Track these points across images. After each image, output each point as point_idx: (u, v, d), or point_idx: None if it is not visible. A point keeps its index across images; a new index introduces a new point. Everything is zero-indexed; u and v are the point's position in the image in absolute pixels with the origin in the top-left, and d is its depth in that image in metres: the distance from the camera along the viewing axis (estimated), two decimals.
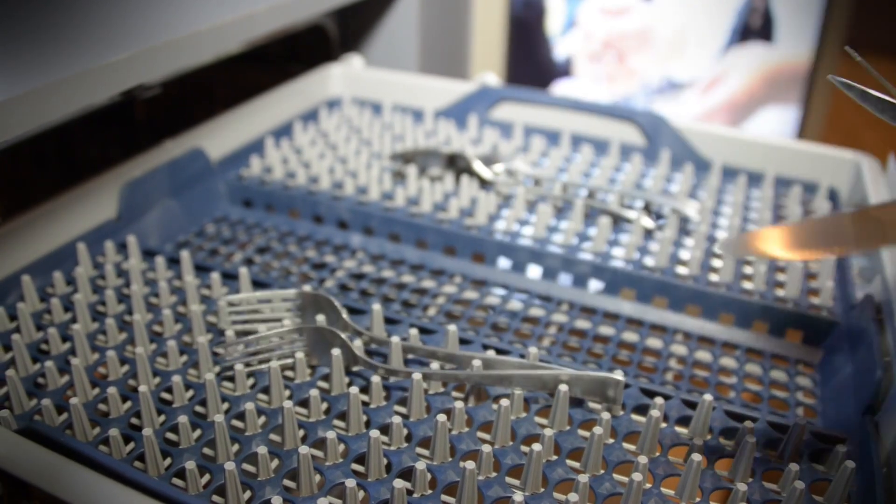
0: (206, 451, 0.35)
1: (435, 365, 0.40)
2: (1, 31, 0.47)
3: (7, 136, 0.40)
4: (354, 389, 0.37)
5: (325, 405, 0.38)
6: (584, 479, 0.32)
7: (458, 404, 0.36)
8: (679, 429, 0.37)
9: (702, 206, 0.56)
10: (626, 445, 0.36)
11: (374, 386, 0.38)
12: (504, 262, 0.52)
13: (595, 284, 0.50)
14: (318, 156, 0.63)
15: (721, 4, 1.20)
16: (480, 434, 0.37)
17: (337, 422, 0.37)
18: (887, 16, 2.23)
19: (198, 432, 0.36)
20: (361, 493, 0.33)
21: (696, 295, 0.48)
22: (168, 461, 0.35)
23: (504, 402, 0.36)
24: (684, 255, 0.51)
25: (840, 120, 1.98)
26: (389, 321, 0.44)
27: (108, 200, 0.52)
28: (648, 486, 0.34)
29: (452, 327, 0.41)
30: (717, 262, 0.50)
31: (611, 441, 0.36)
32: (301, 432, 0.36)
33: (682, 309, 0.48)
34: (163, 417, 0.37)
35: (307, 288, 0.47)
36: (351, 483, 0.32)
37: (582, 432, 0.37)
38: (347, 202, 0.56)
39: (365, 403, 0.38)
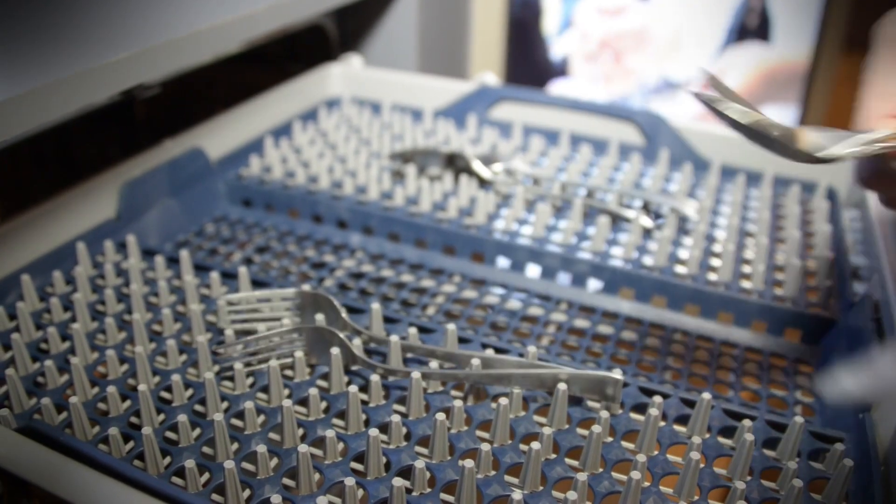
0: (206, 449, 0.35)
1: (434, 364, 0.40)
2: (1, 30, 0.47)
3: (7, 136, 0.40)
4: (353, 388, 0.37)
5: (324, 404, 0.38)
6: (582, 477, 0.32)
7: (457, 403, 0.36)
8: (678, 427, 0.38)
9: (700, 206, 0.56)
10: (624, 444, 0.36)
11: (374, 385, 0.38)
12: (503, 262, 0.52)
13: (594, 283, 0.50)
14: (317, 155, 0.63)
15: (718, 4, 1.20)
16: (479, 433, 0.37)
17: (336, 421, 0.37)
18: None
19: (197, 431, 0.36)
20: (360, 492, 0.33)
21: (695, 294, 0.48)
22: (168, 460, 0.35)
23: (503, 400, 0.36)
24: (683, 254, 0.51)
25: (839, 119, 1.98)
26: (388, 320, 0.44)
27: (107, 200, 0.52)
28: (647, 484, 0.34)
29: (451, 326, 0.41)
30: (715, 262, 0.50)
31: (609, 440, 0.36)
32: (300, 431, 0.36)
33: (680, 308, 0.48)
34: (162, 416, 0.37)
35: (306, 287, 0.47)
36: (350, 482, 0.32)
37: (581, 431, 0.37)
38: (347, 202, 0.56)
39: (364, 402, 0.38)
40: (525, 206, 0.56)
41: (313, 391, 0.37)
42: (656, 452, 0.36)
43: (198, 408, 0.38)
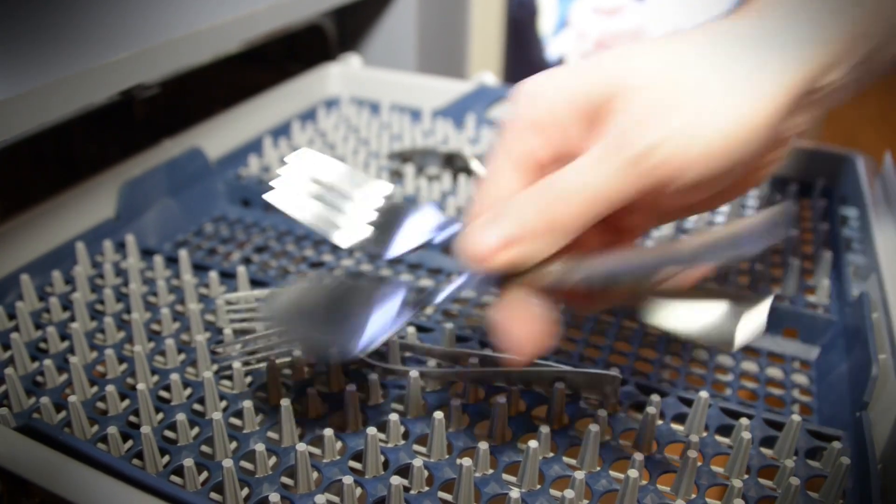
0: (205, 448, 0.36)
1: (432, 363, 0.40)
2: (1, 30, 0.47)
3: (6, 136, 0.40)
4: (352, 387, 0.37)
5: (323, 403, 0.38)
6: (580, 475, 0.32)
7: (456, 402, 0.37)
8: (675, 426, 0.38)
9: None
10: (622, 442, 0.36)
11: (372, 384, 0.38)
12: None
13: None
14: None
15: (714, 4, 1.20)
16: (477, 432, 0.37)
17: (334, 420, 0.37)
18: None
19: (196, 430, 0.36)
20: (359, 490, 0.33)
21: None
22: (166, 459, 0.35)
23: (501, 399, 0.36)
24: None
25: (836, 119, 1.98)
26: None
27: (106, 200, 0.52)
28: (644, 482, 0.34)
29: (450, 325, 0.41)
30: None
31: (607, 438, 0.37)
32: (298, 430, 0.36)
33: None
34: (161, 415, 0.37)
35: None
36: (348, 480, 0.32)
37: (578, 429, 0.37)
38: None
39: (362, 401, 0.38)
40: None
41: (312, 390, 0.37)
42: (654, 451, 0.36)
43: (196, 407, 0.38)
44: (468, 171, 0.58)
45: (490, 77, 0.74)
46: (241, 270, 0.46)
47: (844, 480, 0.34)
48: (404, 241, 0.33)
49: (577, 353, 0.44)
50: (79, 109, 0.46)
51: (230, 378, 0.39)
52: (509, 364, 0.39)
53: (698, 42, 0.29)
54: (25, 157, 0.65)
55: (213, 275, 0.46)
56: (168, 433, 0.36)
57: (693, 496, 0.34)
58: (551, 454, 0.36)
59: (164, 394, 0.39)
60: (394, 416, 0.36)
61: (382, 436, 0.36)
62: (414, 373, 0.37)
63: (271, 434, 0.36)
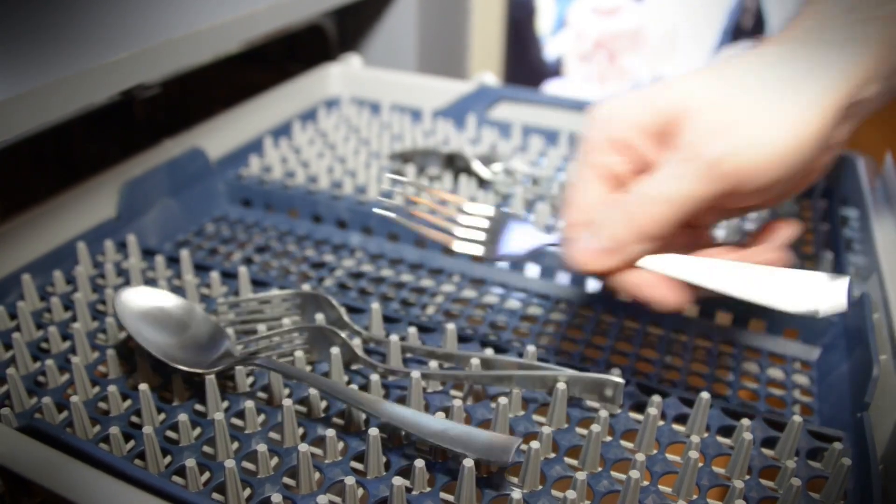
0: (206, 448, 0.36)
1: (433, 364, 0.40)
2: (1, 30, 0.47)
3: (7, 136, 0.40)
4: (354, 388, 0.37)
5: (324, 403, 0.38)
6: (582, 476, 0.32)
7: (457, 402, 0.37)
8: (676, 426, 0.38)
9: None
10: (623, 443, 0.36)
11: (374, 384, 0.38)
12: (502, 261, 0.52)
13: (593, 283, 0.50)
14: (316, 155, 0.63)
15: (712, 4, 1.20)
16: None
17: (336, 420, 0.37)
18: None
19: (198, 430, 0.36)
20: (360, 491, 0.33)
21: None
22: (168, 459, 0.35)
23: (502, 400, 0.36)
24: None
25: None
26: (388, 320, 0.44)
27: (107, 199, 0.52)
28: (646, 483, 0.34)
29: (451, 326, 0.41)
30: None
31: (608, 439, 0.37)
32: (300, 430, 0.36)
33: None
34: (163, 415, 0.37)
35: (306, 287, 0.47)
36: (350, 481, 0.32)
37: (580, 430, 0.37)
38: (346, 201, 0.56)
39: None
40: (524, 206, 0.56)
41: (313, 390, 0.37)
42: (655, 451, 0.36)
43: (198, 407, 0.38)
44: (469, 172, 0.58)
45: (491, 77, 0.74)
46: (243, 270, 0.46)
47: (846, 481, 0.34)
48: (512, 244, 0.36)
49: (579, 354, 0.44)
50: (80, 109, 0.46)
51: (232, 378, 0.39)
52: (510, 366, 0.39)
53: (751, 65, 0.33)
54: (26, 157, 0.65)
55: (215, 275, 0.46)
56: (170, 433, 0.36)
57: (694, 497, 0.34)
58: (553, 455, 0.36)
59: (165, 394, 0.39)
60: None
61: (384, 436, 0.36)
62: (416, 374, 0.37)
63: (273, 434, 0.36)
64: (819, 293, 0.33)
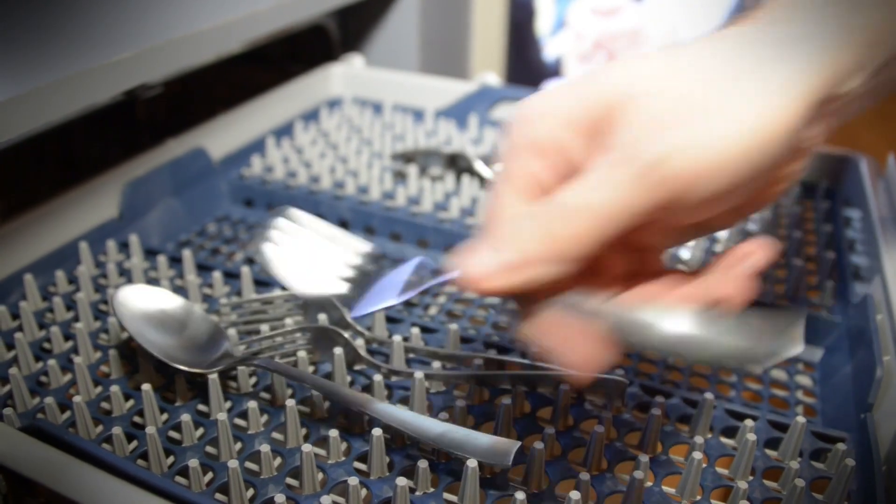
0: (209, 449, 0.36)
1: (436, 364, 0.40)
2: (3, 30, 0.47)
3: (10, 135, 0.40)
4: (354, 389, 0.37)
5: (327, 403, 0.38)
6: (585, 477, 0.32)
7: (460, 403, 0.37)
8: (680, 427, 0.38)
9: None
10: (627, 443, 0.36)
11: (377, 384, 0.38)
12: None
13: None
14: (319, 155, 0.63)
15: (712, 5, 1.20)
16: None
17: (339, 420, 0.37)
18: None
19: (201, 431, 0.36)
20: (364, 491, 0.33)
21: None
22: (171, 459, 0.35)
23: (505, 400, 0.36)
24: (684, 254, 0.51)
25: None
26: (391, 320, 0.44)
27: (109, 199, 0.52)
28: (649, 484, 0.34)
29: (454, 326, 0.41)
30: None
31: (612, 439, 0.37)
32: (303, 431, 0.36)
33: None
34: (165, 416, 0.37)
35: None
36: (353, 481, 0.32)
37: (583, 430, 0.37)
38: (348, 202, 0.56)
39: None
40: None
41: (316, 392, 0.37)
42: (659, 452, 0.36)
43: (201, 407, 0.38)
44: (471, 172, 0.58)
45: (493, 77, 0.74)
46: (245, 270, 0.46)
47: (849, 482, 0.34)
48: (374, 298, 0.32)
49: None
50: (82, 109, 0.46)
51: (235, 379, 0.39)
52: (514, 367, 0.39)
53: (706, 50, 0.27)
54: (28, 157, 0.65)
55: (217, 275, 0.46)
56: (173, 434, 0.36)
57: (698, 498, 0.34)
58: (556, 455, 0.36)
59: (168, 394, 0.39)
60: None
61: (388, 436, 0.36)
62: (419, 374, 0.37)
63: (276, 435, 0.36)
64: (770, 339, 0.27)
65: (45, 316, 0.44)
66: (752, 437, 0.34)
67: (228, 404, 0.38)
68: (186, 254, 0.47)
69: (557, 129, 0.28)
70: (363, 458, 0.35)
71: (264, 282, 0.47)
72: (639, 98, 0.26)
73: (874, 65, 0.27)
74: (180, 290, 0.46)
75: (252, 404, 0.36)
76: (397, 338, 0.40)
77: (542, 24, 1.21)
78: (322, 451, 0.35)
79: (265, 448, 0.34)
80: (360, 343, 0.41)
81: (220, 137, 0.61)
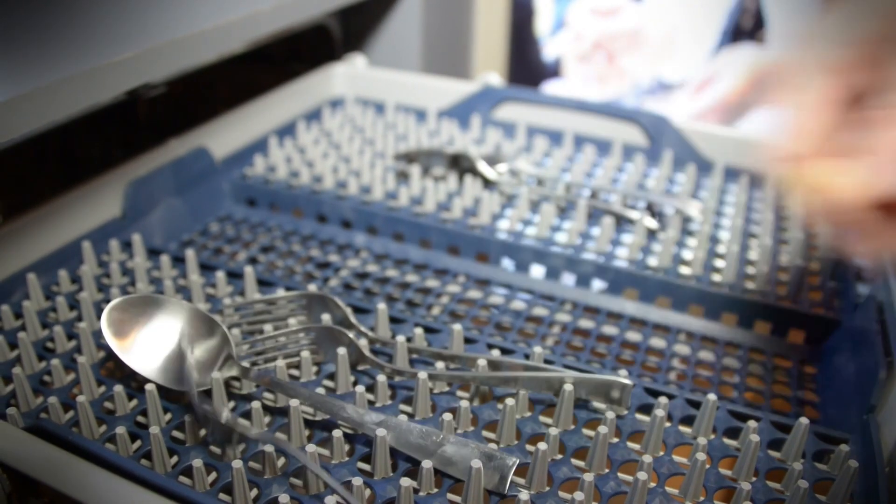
0: (213, 448, 0.36)
1: (440, 364, 0.40)
2: (6, 29, 0.47)
3: (13, 135, 0.40)
4: (360, 388, 0.37)
5: None
6: (589, 478, 0.32)
7: (464, 403, 0.37)
8: (683, 428, 0.38)
9: (704, 207, 0.56)
10: (630, 445, 0.36)
11: (380, 385, 0.38)
12: (507, 262, 0.52)
13: (598, 284, 0.50)
14: (321, 155, 0.63)
15: (712, 5, 1.20)
16: (486, 433, 0.37)
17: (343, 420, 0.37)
18: None
19: (204, 431, 0.36)
20: (368, 492, 0.33)
21: (699, 295, 0.48)
22: (175, 459, 0.35)
23: (509, 401, 0.36)
24: (687, 255, 0.51)
25: None
26: (394, 320, 0.44)
27: (112, 199, 0.52)
28: (653, 485, 0.34)
29: (457, 327, 0.41)
30: (719, 263, 0.50)
31: (615, 440, 0.37)
32: (307, 431, 0.36)
33: (684, 309, 0.48)
34: (169, 416, 0.37)
35: (312, 287, 0.47)
36: (357, 481, 0.32)
37: (587, 431, 0.37)
38: (351, 201, 0.56)
39: (370, 402, 0.38)
40: (529, 207, 0.56)
41: (320, 391, 0.37)
42: (662, 453, 0.36)
43: (204, 407, 0.38)
44: (474, 172, 0.58)
45: (495, 78, 0.74)
46: (249, 270, 0.46)
47: (852, 483, 0.34)
48: None
49: (585, 356, 0.44)
50: (85, 109, 0.46)
51: (238, 378, 0.39)
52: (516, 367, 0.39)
53: None
54: (31, 157, 0.65)
55: (220, 274, 0.46)
56: (176, 433, 0.36)
57: (701, 499, 0.34)
58: (560, 456, 0.36)
59: (171, 394, 0.39)
60: (402, 418, 0.36)
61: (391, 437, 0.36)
62: (422, 374, 0.37)
63: (280, 435, 0.36)
64: None
65: (49, 315, 0.44)
66: (755, 438, 0.34)
67: (232, 404, 0.38)
68: (189, 253, 0.48)
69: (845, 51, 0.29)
70: (367, 458, 0.35)
71: (268, 282, 0.47)
72: None
73: None
74: (183, 290, 0.46)
75: (256, 404, 0.36)
76: (401, 338, 0.40)
77: (542, 24, 1.21)
78: (326, 452, 0.35)
79: (269, 448, 0.34)
80: (363, 343, 0.41)
81: (222, 137, 0.61)
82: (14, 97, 0.39)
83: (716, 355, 0.45)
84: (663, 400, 0.37)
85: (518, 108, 0.69)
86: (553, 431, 0.35)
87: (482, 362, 0.39)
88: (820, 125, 0.29)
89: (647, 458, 0.33)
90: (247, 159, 0.62)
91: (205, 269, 0.49)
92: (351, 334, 0.40)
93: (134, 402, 0.38)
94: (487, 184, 0.58)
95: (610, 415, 0.36)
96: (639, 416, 0.38)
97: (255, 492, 0.33)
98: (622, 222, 0.54)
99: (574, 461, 0.35)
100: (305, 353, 0.40)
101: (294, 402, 0.35)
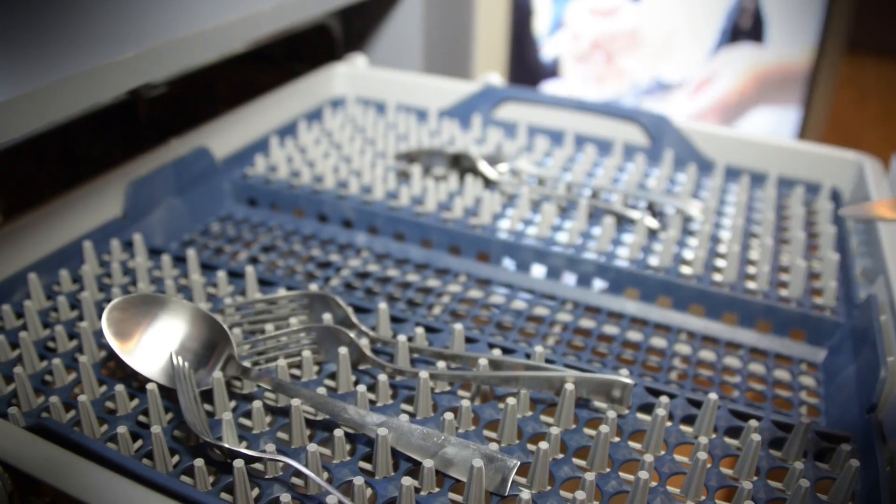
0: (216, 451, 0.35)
1: (441, 364, 0.40)
2: (6, 29, 0.47)
3: (14, 135, 0.40)
4: (362, 388, 0.37)
5: None
6: (590, 477, 0.32)
7: (465, 403, 0.37)
8: (684, 427, 0.38)
9: (705, 207, 0.56)
10: (631, 444, 0.36)
11: (381, 384, 0.38)
12: (508, 262, 0.52)
13: (599, 284, 0.50)
14: (322, 155, 0.63)
15: (711, 5, 1.20)
16: (487, 432, 0.37)
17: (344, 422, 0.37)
18: (887, 16, 2.23)
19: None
20: (369, 491, 0.33)
21: (700, 294, 0.48)
22: (176, 458, 0.35)
23: (510, 400, 0.36)
24: (688, 254, 0.51)
25: (839, 120, 1.98)
26: (395, 320, 0.44)
27: (113, 199, 0.52)
28: (654, 484, 0.34)
29: (458, 326, 0.41)
30: (720, 263, 0.50)
31: (616, 440, 0.37)
32: (308, 431, 0.36)
33: (685, 308, 0.48)
34: (170, 415, 0.37)
35: (313, 287, 0.47)
36: (359, 481, 0.32)
37: (588, 431, 0.37)
38: (352, 201, 0.56)
39: (372, 402, 0.38)
40: (530, 207, 0.56)
41: (321, 390, 0.37)
42: (663, 452, 0.36)
43: (206, 407, 0.38)
44: (475, 172, 0.58)
45: (496, 77, 0.74)
46: (250, 270, 0.46)
47: (854, 482, 0.34)
48: None
49: (586, 355, 0.44)
50: (86, 108, 0.46)
51: (239, 378, 0.39)
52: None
53: None
54: (32, 156, 0.65)
55: (221, 274, 0.46)
56: (178, 433, 0.36)
57: (703, 498, 0.34)
58: (561, 455, 0.36)
59: (173, 393, 0.39)
60: (403, 417, 0.36)
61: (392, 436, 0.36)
62: (424, 374, 0.37)
63: (281, 434, 0.36)
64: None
65: (50, 315, 0.44)
66: (756, 437, 0.34)
67: (233, 404, 0.38)
68: (190, 253, 0.48)
69: None
70: (368, 458, 0.35)
71: (269, 281, 0.47)
72: None
73: None
74: (184, 290, 0.46)
75: (257, 404, 0.36)
76: (402, 337, 0.40)
77: (540, 24, 1.21)
78: (327, 451, 0.35)
79: (270, 448, 0.34)
80: (364, 343, 0.41)
81: (223, 137, 0.61)
82: (14, 97, 0.40)
83: (717, 355, 0.45)
84: (664, 399, 0.37)
85: (519, 108, 0.69)
86: (554, 431, 0.35)
87: (483, 362, 0.39)
88: None
89: (649, 458, 0.33)
90: (248, 159, 0.62)
91: (206, 268, 0.49)
92: (352, 334, 0.40)
93: (135, 401, 0.38)
94: (488, 183, 0.58)
95: (611, 414, 0.36)
96: (640, 416, 0.38)
97: (256, 491, 0.33)
98: (623, 222, 0.54)
99: (575, 460, 0.35)
100: (307, 353, 0.40)
101: (295, 402, 0.35)
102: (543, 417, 0.38)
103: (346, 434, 0.35)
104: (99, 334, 0.43)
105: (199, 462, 0.33)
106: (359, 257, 0.53)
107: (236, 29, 0.56)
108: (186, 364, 0.37)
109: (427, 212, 0.55)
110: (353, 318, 0.42)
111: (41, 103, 0.41)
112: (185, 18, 0.53)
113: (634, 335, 0.46)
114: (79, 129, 0.68)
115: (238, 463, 0.32)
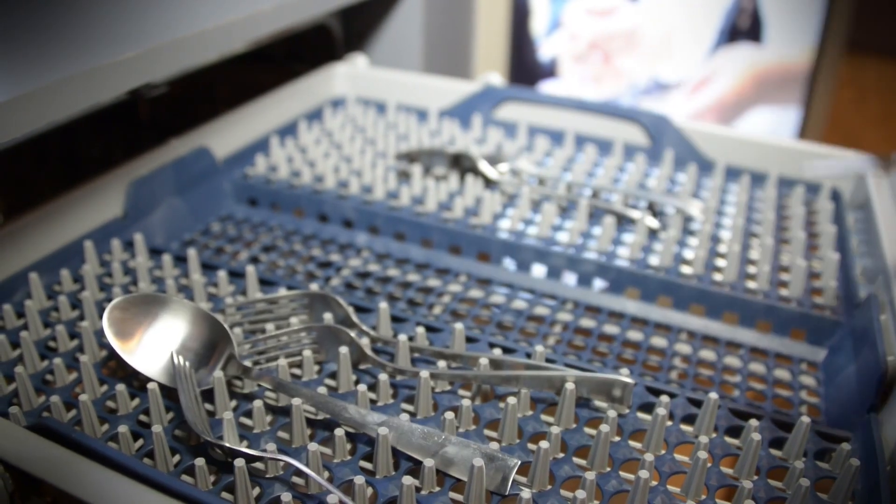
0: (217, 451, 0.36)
1: (442, 363, 0.40)
2: (6, 29, 0.47)
3: (14, 135, 0.40)
4: (362, 387, 0.37)
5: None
6: (590, 476, 0.32)
7: (465, 402, 0.37)
8: (684, 427, 0.38)
9: (705, 206, 0.56)
10: (632, 443, 0.37)
11: (382, 384, 0.38)
12: (509, 262, 0.52)
13: (600, 283, 0.51)
14: (322, 155, 0.63)
15: (709, 5, 1.20)
16: (487, 432, 0.37)
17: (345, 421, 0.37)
18: (887, 16, 2.23)
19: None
20: (370, 490, 0.33)
21: (701, 294, 0.48)
22: (177, 458, 0.35)
23: (511, 400, 0.36)
24: (688, 254, 0.51)
25: (839, 120, 1.98)
26: (395, 319, 0.44)
27: (114, 198, 0.52)
28: (654, 483, 0.34)
29: (459, 326, 0.41)
30: (720, 262, 0.51)
31: (617, 439, 0.37)
32: (309, 430, 0.36)
33: (686, 308, 0.48)
34: (171, 414, 0.37)
35: (313, 286, 0.47)
36: (360, 480, 0.32)
37: (588, 430, 0.37)
38: (352, 201, 0.56)
39: (372, 401, 0.38)
40: (531, 206, 0.56)
41: (322, 389, 0.37)
42: (663, 452, 0.36)
43: (207, 406, 0.38)
44: (475, 172, 0.58)
45: (496, 77, 0.74)
46: (251, 270, 0.46)
47: (854, 482, 0.34)
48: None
49: (586, 355, 0.44)
50: (86, 108, 0.46)
51: (240, 378, 0.39)
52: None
53: None
54: (32, 156, 0.65)
55: (222, 274, 0.46)
56: (179, 432, 0.36)
57: (703, 497, 0.34)
58: (561, 455, 0.36)
59: (174, 393, 0.39)
60: (404, 417, 0.36)
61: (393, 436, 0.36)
62: (424, 373, 0.37)
63: (282, 434, 0.36)
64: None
65: (51, 315, 0.44)
66: (756, 436, 0.34)
67: (234, 403, 0.38)
68: (191, 253, 0.48)
69: None
70: (368, 457, 0.35)
71: (269, 281, 0.47)
72: None
73: None
74: (185, 290, 0.46)
75: (258, 403, 0.36)
76: (402, 337, 0.40)
77: (537, 24, 1.21)
78: (328, 451, 0.35)
79: (271, 447, 0.34)
80: (365, 342, 0.41)
81: (223, 137, 0.61)
82: (15, 97, 0.40)
83: (717, 354, 0.45)
84: (665, 399, 0.37)
85: (519, 108, 0.69)
86: (555, 430, 0.35)
87: (484, 361, 0.39)
88: None
89: (649, 457, 0.33)
90: (248, 159, 0.62)
91: (206, 268, 0.49)
92: (353, 333, 0.40)
93: (136, 401, 0.38)
94: (489, 183, 0.58)
95: (611, 413, 0.36)
96: (640, 415, 0.38)
97: (257, 490, 0.33)
98: (623, 222, 0.54)
99: (576, 460, 0.36)
100: (307, 353, 0.40)
101: (296, 402, 0.35)
102: (544, 417, 0.38)
103: (347, 433, 0.35)
104: (100, 334, 0.43)
105: (199, 461, 0.33)
106: (359, 257, 0.53)
107: (236, 29, 0.56)
108: (187, 363, 0.37)
109: (427, 211, 0.55)
110: (354, 318, 0.42)
111: (41, 103, 0.41)
112: (185, 18, 0.53)
113: (635, 335, 0.46)
114: (79, 128, 0.68)
115: (239, 462, 0.32)
